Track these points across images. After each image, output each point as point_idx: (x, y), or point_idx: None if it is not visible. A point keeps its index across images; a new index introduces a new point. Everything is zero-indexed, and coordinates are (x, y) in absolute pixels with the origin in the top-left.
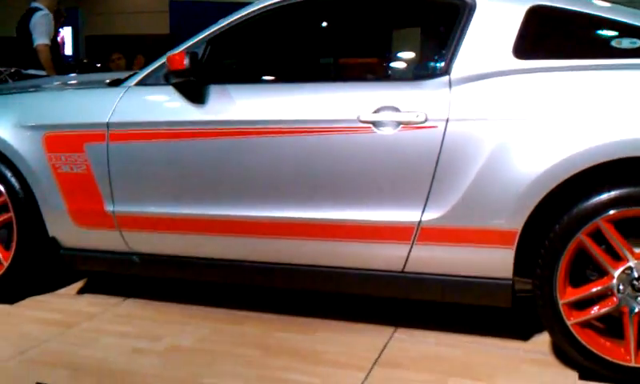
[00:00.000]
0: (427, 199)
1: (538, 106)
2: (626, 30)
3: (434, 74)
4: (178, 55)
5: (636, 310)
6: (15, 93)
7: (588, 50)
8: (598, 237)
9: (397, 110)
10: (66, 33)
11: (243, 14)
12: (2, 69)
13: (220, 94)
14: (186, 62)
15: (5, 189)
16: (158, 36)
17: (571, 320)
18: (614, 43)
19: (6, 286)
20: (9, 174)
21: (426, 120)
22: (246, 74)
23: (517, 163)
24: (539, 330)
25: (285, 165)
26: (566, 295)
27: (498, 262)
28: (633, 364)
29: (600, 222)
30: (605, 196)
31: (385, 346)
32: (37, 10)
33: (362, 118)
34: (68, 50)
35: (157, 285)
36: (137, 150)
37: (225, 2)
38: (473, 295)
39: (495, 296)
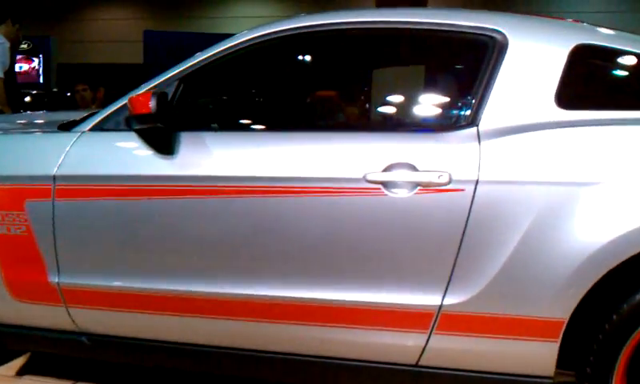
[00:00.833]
0: (450, 279)
1: (597, 166)
2: None
3: (458, 124)
4: (143, 96)
5: None
6: None
7: None
8: None
9: (413, 168)
10: (37, 61)
11: (224, 47)
12: None
13: (193, 144)
14: (152, 104)
15: None
16: (133, 66)
17: None
18: None
19: None
20: None
21: (449, 181)
22: (226, 119)
23: (566, 236)
24: None
25: (271, 232)
26: None
27: (536, 357)
28: None
29: None
30: None
31: None
32: None
33: (370, 178)
34: (39, 79)
35: (115, 366)
36: (89, 209)
37: (202, 33)
38: None
39: None
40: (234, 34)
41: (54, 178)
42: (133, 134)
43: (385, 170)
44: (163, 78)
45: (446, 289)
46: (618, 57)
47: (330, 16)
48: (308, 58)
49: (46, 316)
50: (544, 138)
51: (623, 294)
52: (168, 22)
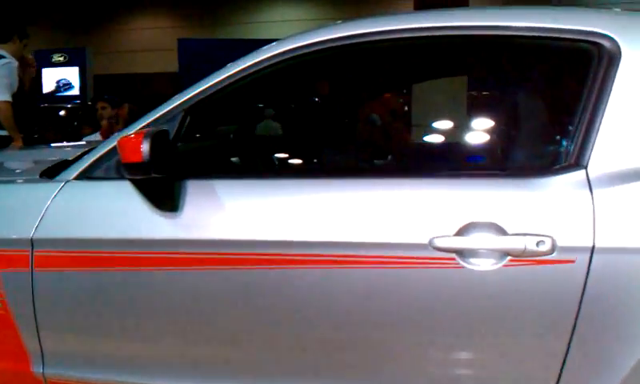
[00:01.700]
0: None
1: None
2: None
3: (557, 166)
4: (132, 140)
5: None
6: None
7: None
8: None
9: (499, 230)
10: (74, 73)
11: (243, 66)
12: None
13: (204, 197)
14: (145, 149)
15: None
16: (167, 74)
17: None
18: None
19: None
20: None
21: (553, 250)
22: (246, 162)
23: None
24: None
25: (308, 312)
26: None
27: None
28: None
29: None
30: None
31: None
32: None
33: (439, 244)
34: (75, 91)
35: None
36: (76, 281)
37: (237, 39)
38: None
39: None
40: (267, 40)
41: (32, 242)
42: (127, 184)
43: (459, 234)
44: (162, 112)
45: None
46: None
47: (396, 20)
48: (350, 77)
49: None
50: None
51: None
52: (202, 30)
